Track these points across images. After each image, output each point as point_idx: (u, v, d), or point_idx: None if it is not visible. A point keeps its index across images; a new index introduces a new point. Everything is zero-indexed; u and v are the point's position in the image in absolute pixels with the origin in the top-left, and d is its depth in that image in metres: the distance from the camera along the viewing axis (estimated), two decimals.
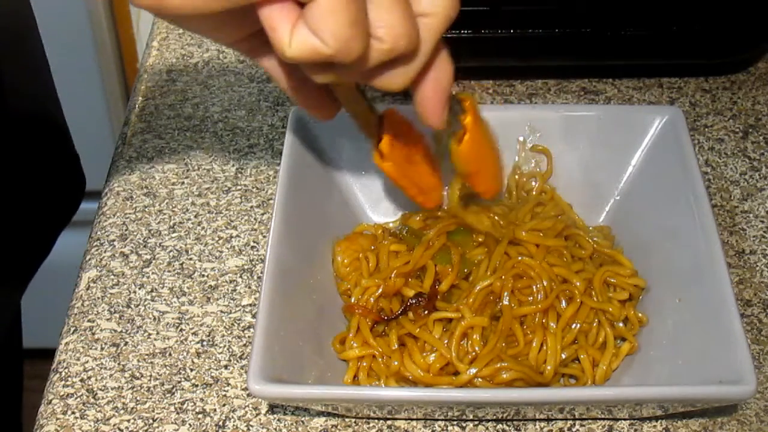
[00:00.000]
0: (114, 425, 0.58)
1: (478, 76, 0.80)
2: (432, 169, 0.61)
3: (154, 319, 0.64)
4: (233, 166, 0.74)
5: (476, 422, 0.58)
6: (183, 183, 0.73)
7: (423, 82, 0.52)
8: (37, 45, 0.80)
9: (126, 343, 0.63)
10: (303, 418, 0.59)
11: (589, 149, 0.67)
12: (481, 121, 0.59)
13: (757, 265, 0.66)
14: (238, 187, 0.72)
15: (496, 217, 0.64)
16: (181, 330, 0.63)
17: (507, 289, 0.59)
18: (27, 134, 0.78)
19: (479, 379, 0.57)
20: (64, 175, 0.86)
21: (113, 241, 0.69)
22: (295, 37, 0.46)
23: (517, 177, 0.68)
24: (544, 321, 0.59)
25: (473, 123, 0.58)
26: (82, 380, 0.61)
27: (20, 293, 0.84)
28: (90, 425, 0.58)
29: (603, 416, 0.58)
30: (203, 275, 0.66)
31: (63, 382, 0.61)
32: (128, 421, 0.59)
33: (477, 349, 0.58)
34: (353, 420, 0.58)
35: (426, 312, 0.59)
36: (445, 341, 0.58)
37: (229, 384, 0.60)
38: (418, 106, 0.53)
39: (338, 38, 0.45)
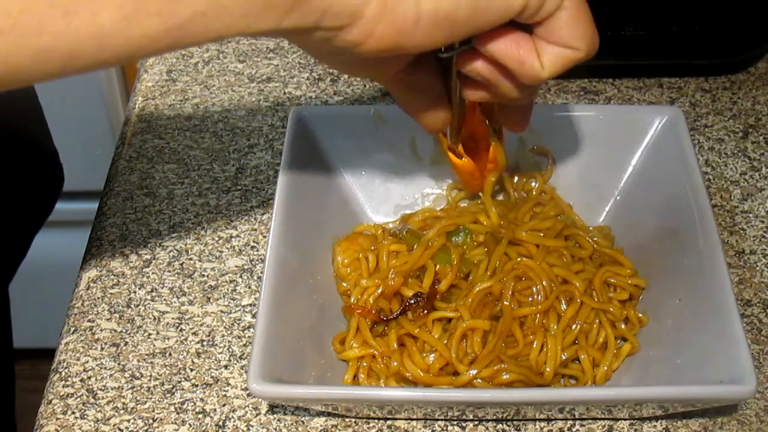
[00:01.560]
0: (114, 425, 0.58)
1: None
2: (485, 157, 0.64)
3: (154, 319, 0.64)
4: (233, 166, 0.74)
5: (476, 422, 0.58)
6: (183, 183, 0.73)
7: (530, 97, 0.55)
8: None
9: (126, 343, 0.63)
10: (303, 418, 0.59)
11: (589, 149, 0.67)
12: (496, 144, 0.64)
13: (757, 265, 0.66)
14: (238, 187, 0.72)
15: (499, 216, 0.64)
16: (181, 330, 0.63)
17: (507, 291, 0.59)
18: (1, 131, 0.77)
19: (479, 380, 0.57)
20: (42, 172, 0.85)
21: (113, 241, 0.69)
22: (546, 59, 0.48)
23: (516, 177, 0.68)
24: (544, 321, 0.59)
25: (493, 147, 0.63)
26: (82, 380, 0.61)
27: (2, 292, 0.83)
28: (90, 425, 0.58)
29: (603, 416, 0.58)
30: (203, 275, 0.66)
31: (63, 382, 0.61)
32: (128, 421, 0.59)
33: (477, 350, 0.58)
34: (353, 420, 0.58)
35: (425, 312, 0.59)
36: (445, 341, 0.58)
37: (229, 384, 0.60)
38: (513, 114, 0.57)
39: (589, 39, 0.49)
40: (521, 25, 0.48)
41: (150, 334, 0.63)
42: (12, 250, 0.84)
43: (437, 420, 0.58)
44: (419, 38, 0.45)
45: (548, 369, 0.58)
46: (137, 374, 0.61)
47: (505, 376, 0.57)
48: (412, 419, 0.58)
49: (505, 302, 0.59)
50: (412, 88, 0.55)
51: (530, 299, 0.60)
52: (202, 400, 0.60)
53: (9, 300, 0.86)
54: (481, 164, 0.64)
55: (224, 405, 0.59)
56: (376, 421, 0.58)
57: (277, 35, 0.44)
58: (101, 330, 0.63)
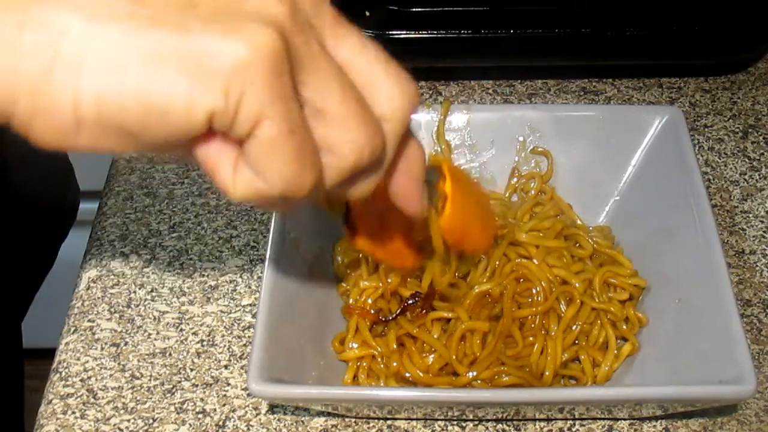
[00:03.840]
0: (114, 425, 0.58)
1: (478, 76, 0.80)
2: (407, 232, 0.55)
3: (154, 319, 0.64)
4: None
5: (476, 422, 0.58)
6: (183, 183, 0.73)
7: (394, 176, 0.46)
8: None
9: (126, 343, 0.63)
10: (303, 418, 0.59)
11: (589, 149, 0.67)
12: (461, 180, 0.54)
13: (757, 265, 0.66)
14: None
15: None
16: (181, 330, 0.63)
17: (508, 295, 0.59)
18: (22, 152, 0.77)
19: (479, 381, 0.57)
20: (59, 189, 0.85)
21: (113, 241, 0.69)
22: (238, 180, 0.41)
23: (516, 178, 0.68)
24: (544, 322, 0.59)
25: (453, 188, 0.53)
26: (82, 380, 0.61)
27: (23, 313, 0.84)
28: (90, 425, 0.58)
29: (603, 416, 0.58)
30: (203, 275, 0.66)
31: (63, 382, 0.61)
32: (128, 421, 0.59)
33: (476, 351, 0.58)
34: (353, 420, 0.58)
35: (423, 312, 0.59)
36: (444, 342, 0.58)
37: (229, 384, 0.60)
38: (395, 199, 0.48)
39: (284, 178, 0.40)
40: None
41: (150, 334, 0.63)
42: (35, 267, 0.83)
43: (437, 420, 0.58)
44: (88, 141, 0.39)
45: (548, 372, 0.58)
46: (137, 374, 0.61)
47: (504, 378, 0.57)
48: (412, 419, 0.58)
49: (505, 303, 0.59)
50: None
51: (529, 300, 0.60)
52: (202, 400, 0.60)
53: (32, 300, 0.86)
54: (396, 241, 0.55)
55: (224, 405, 0.59)
56: (376, 421, 0.58)
57: None
58: (101, 330, 0.63)
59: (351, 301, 0.61)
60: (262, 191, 0.40)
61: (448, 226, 0.53)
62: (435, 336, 0.59)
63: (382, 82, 0.42)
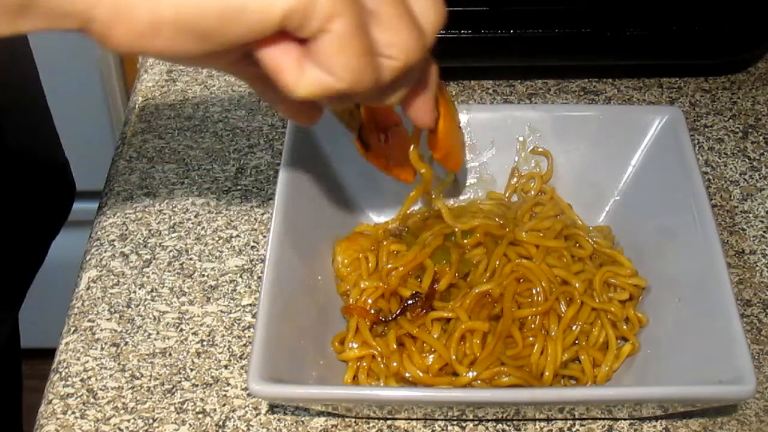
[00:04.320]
0: (114, 425, 0.58)
1: (478, 76, 0.80)
2: (407, 145, 0.61)
3: (154, 319, 0.64)
4: (233, 166, 0.74)
5: (476, 422, 0.58)
6: (183, 183, 0.73)
7: (413, 88, 0.51)
8: (25, 51, 0.80)
9: (126, 343, 0.63)
10: (303, 418, 0.59)
11: (589, 149, 0.67)
12: (449, 102, 0.58)
13: (757, 265, 0.66)
14: (238, 187, 0.72)
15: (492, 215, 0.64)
16: (181, 330, 0.63)
17: (508, 295, 0.59)
18: (15, 145, 0.77)
19: (478, 382, 0.57)
20: (54, 184, 0.85)
21: (113, 241, 0.69)
22: (304, 76, 0.44)
23: (516, 178, 0.68)
24: (544, 323, 0.59)
25: (445, 108, 0.57)
26: (82, 380, 0.61)
27: (18, 305, 0.84)
28: (90, 425, 0.58)
29: (603, 416, 0.58)
30: (203, 275, 0.66)
31: (63, 382, 0.61)
32: (128, 421, 0.59)
33: (476, 351, 0.58)
34: (353, 420, 0.58)
35: (423, 312, 0.59)
36: (444, 342, 0.58)
37: (229, 384, 0.60)
38: (410, 111, 0.52)
39: (352, 72, 0.44)
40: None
41: (150, 334, 0.63)
42: (27, 262, 0.84)
43: (437, 420, 0.58)
44: (165, 44, 0.42)
45: (547, 373, 0.58)
46: (137, 374, 0.61)
47: (504, 379, 0.57)
48: (412, 419, 0.58)
49: (505, 304, 0.59)
50: (258, 80, 0.51)
51: (529, 300, 0.60)
52: (202, 400, 0.60)
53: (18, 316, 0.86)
54: (398, 154, 0.61)
55: (224, 405, 0.59)
56: (376, 421, 0.58)
57: (27, 34, 0.44)
58: (101, 330, 0.63)
59: (351, 301, 0.61)
60: (328, 86, 0.44)
61: (442, 138, 0.58)
62: (435, 336, 0.59)
63: None
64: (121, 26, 0.41)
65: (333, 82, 0.44)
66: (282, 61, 0.44)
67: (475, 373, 0.57)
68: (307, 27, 0.42)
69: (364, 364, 0.59)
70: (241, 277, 0.66)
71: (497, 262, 0.61)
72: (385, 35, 0.44)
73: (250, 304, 0.65)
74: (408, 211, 0.67)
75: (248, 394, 0.60)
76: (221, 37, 0.42)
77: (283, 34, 0.43)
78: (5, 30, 0.42)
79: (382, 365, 0.59)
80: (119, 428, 0.58)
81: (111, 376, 0.61)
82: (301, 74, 0.44)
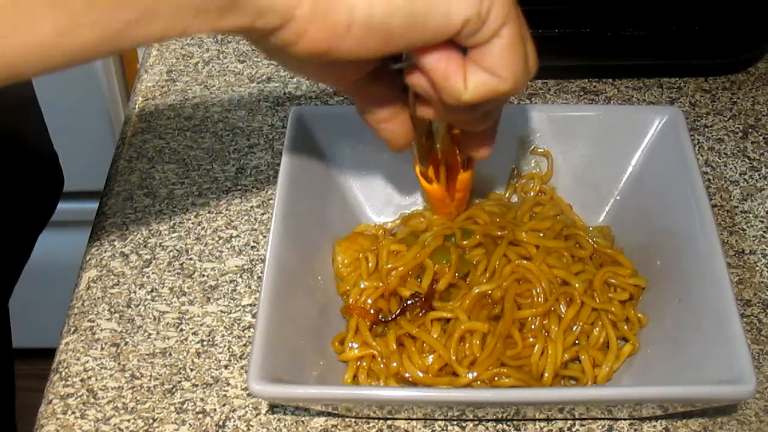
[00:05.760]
0: (114, 425, 0.58)
1: None
2: (453, 181, 0.63)
3: (154, 319, 0.64)
4: (233, 166, 0.74)
5: (476, 422, 0.58)
6: (183, 183, 0.73)
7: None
8: None
9: (126, 343, 0.63)
10: (303, 418, 0.59)
11: (589, 149, 0.67)
12: None
13: (757, 265, 0.66)
14: (238, 187, 0.72)
15: (494, 214, 0.64)
16: (181, 330, 0.63)
17: (509, 297, 0.59)
18: (2, 135, 0.77)
19: (478, 383, 0.57)
20: (42, 176, 0.85)
21: (113, 241, 0.69)
22: (471, 81, 0.47)
23: (516, 178, 0.68)
24: (545, 323, 0.59)
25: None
26: (82, 380, 0.61)
27: (6, 297, 0.83)
28: (90, 425, 0.58)
29: (603, 416, 0.58)
30: (203, 275, 0.66)
31: (63, 382, 0.61)
32: (128, 421, 0.59)
33: (475, 352, 0.58)
34: (353, 420, 0.58)
35: (423, 312, 0.59)
36: (444, 342, 0.58)
37: (229, 384, 0.60)
38: (474, 139, 0.57)
39: (517, 75, 0.48)
40: (459, 45, 0.48)
41: (150, 334, 0.63)
42: (14, 254, 0.84)
43: (437, 420, 0.58)
44: (351, 44, 0.45)
45: (547, 374, 0.58)
46: (137, 374, 0.61)
47: (504, 380, 0.57)
48: (412, 419, 0.58)
49: (506, 306, 0.59)
50: (372, 99, 0.55)
51: (529, 301, 0.60)
52: (202, 400, 0.60)
53: (8, 308, 0.86)
54: (452, 192, 0.63)
55: (224, 405, 0.59)
56: (376, 421, 0.58)
57: (220, 33, 0.45)
58: (101, 330, 0.63)
59: (351, 301, 0.61)
60: (494, 88, 0.48)
61: (467, 181, 0.63)
62: (435, 336, 0.59)
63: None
64: (318, 25, 0.44)
65: (498, 84, 0.47)
66: (449, 67, 0.47)
67: (475, 374, 0.57)
68: (482, 32, 0.46)
69: (364, 364, 0.59)
70: (241, 277, 0.66)
71: (497, 263, 0.61)
72: (506, 59, 0.48)
73: (250, 304, 0.65)
74: (408, 212, 0.67)
75: (248, 394, 0.60)
76: (404, 39, 0.45)
77: (446, 42, 0.47)
78: (206, 27, 0.43)
79: (381, 365, 0.59)
80: (119, 428, 0.58)
81: (111, 376, 0.61)
82: (469, 77, 0.47)
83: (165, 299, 0.65)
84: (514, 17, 0.47)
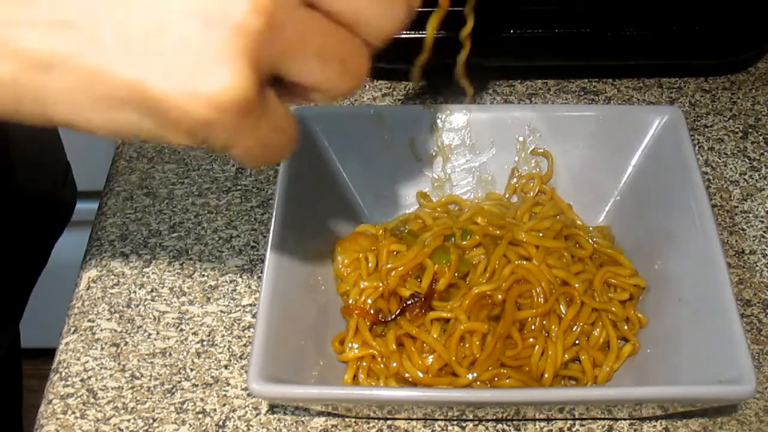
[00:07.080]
0: (114, 425, 0.58)
1: (477, 76, 0.80)
2: None
3: (154, 319, 0.64)
4: (233, 166, 0.74)
5: (476, 422, 0.58)
6: (183, 183, 0.73)
7: None
8: None
9: (126, 343, 0.63)
10: (303, 418, 0.59)
11: (589, 149, 0.67)
12: None
13: (757, 265, 0.66)
14: (238, 187, 0.72)
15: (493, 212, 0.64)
16: (181, 330, 0.63)
17: (510, 299, 0.59)
18: (20, 148, 0.78)
19: (478, 383, 0.57)
20: (57, 187, 0.85)
21: (113, 241, 0.69)
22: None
23: (516, 179, 0.68)
24: (545, 323, 0.59)
25: None
26: (82, 380, 0.61)
27: (21, 307, 0.84)
28: (90, 425, 0.58)
29: (603, 416, 0.58)
30: (203, 275, 0.66)
31: (63, 382, 0.61)
32: (128, 421, 0.59)
33: (475, 352, 0.58)
34: (353, 420, 0.58)
35: (422, 312, 0.59)
36: (444, 342, 0.58)
37: (229, 384, 0.60)
38: None
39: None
40: None
41: (150, 334, 0.63)
42: (31, 263, 0.84)
43: (437, 420, 0.58)
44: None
45: (547, 375, 0.58)
46: (137, 374, 0.61)
47: (505, 381, 0.57)
48: (412, 419, 0.58)
49: (506, 307, 0.59)
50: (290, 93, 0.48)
51: (530, 302, 0.60)
52: (202, 400, 0.60)
53: (27, 300, 0.86)
54: None
55: (224, 405, 0.59)
56: (376, 421, 0.58)
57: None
58: (101, 330, 0.63)
59: (351, 301, 0.61)
60: None
61: None
62: (434, 336, 0.59)
63: None
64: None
65: None
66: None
67: (475, 374, 0.57)
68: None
69: (364, 364, 0.59)
70: (241, 277, 0.66)
71: (497, 263, 0.61)
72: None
73: (250, 304, 0.65)
74: (408, 211, 0.67)
75: (248, 394, 0.60)
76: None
77: None
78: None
79: (381, 365, 0.59)
80: (119, 428, 0.58)
81: (111, 376, 0.61)
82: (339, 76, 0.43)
83: (165, 299, 0.65)
84: None
